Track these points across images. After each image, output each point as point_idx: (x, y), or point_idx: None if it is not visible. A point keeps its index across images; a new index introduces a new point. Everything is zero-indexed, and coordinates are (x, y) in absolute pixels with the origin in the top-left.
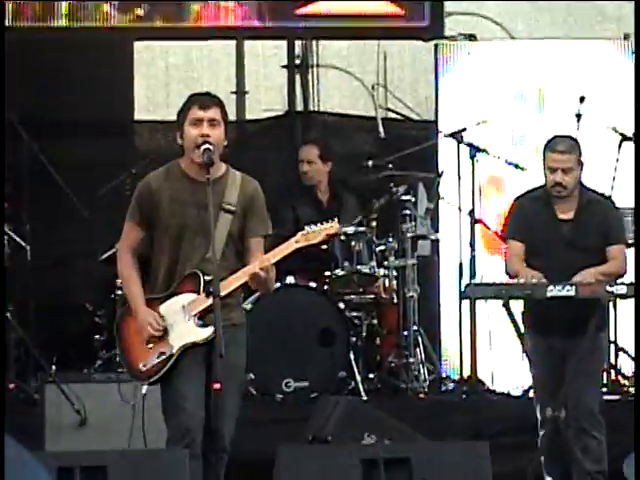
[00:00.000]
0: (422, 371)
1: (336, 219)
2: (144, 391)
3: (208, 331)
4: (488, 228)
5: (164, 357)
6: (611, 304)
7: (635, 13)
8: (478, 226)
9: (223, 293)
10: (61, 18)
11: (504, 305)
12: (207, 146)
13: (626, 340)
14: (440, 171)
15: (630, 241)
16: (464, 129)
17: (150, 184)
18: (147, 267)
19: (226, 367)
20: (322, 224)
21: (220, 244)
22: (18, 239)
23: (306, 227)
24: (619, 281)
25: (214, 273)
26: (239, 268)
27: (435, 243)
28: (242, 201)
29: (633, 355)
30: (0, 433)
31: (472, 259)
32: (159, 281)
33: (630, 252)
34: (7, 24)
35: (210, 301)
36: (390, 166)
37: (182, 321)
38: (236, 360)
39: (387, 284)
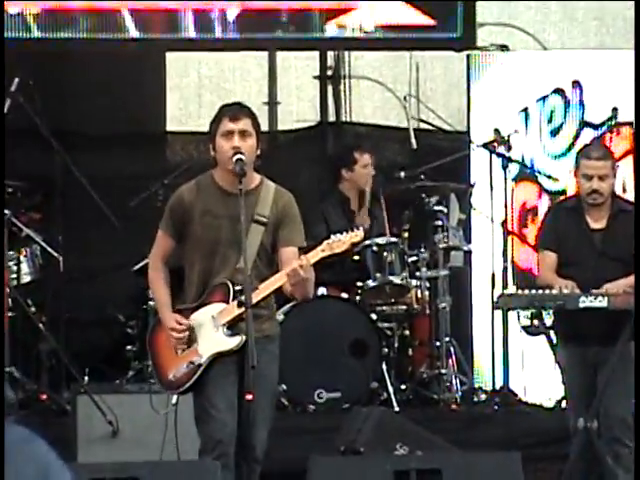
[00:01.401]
0: (454, 382)
1: (361, 228)
2: (174, 401)
3: (236, 340)
4: (521, 239)
5: (193, 366)
6: None
7: (635, 13)
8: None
9: (254, 301)
10: (91, 29)
11: (536, 316)
12: (239, 156)
13: None
14: (472, 182)
15: None
16: (497, 140)
17: (183, 196)
18: (180, 277)
19: (258, 378)
20: (347, 232)
21: (252, 255)
22: (51, 250)
23: (332, 236)
24: None
25: (245, 283)
26: (270, 276)
27: (467, 254)
28: (275, 213)
29: None
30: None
31: (504, 270)
32: (191, 292)
33: None
34: (42, 35)
35: (239, 310)
36: (422, 177)
37: (211, 330)
38: (268, 371)
39: (419, 295)
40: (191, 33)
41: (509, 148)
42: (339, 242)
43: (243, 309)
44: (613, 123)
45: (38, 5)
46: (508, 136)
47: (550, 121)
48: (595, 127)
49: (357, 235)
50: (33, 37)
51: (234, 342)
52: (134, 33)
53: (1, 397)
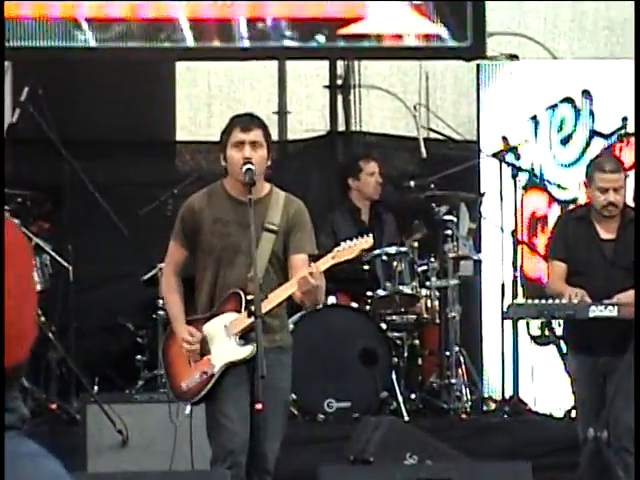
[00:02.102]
0: (464, 392)
1: (371, 235)
2: (188, 411)
3: (248, 350)
4: (530, 249)
5: (205, 376)
6: None
7: (635, 13)
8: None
9: (264, 310)
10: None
11: (546, 325)
12: (249, 166)
13: None
14: (482, 191)
15: None
16: (506, 150)
17: (193, 205)
18: (192, 287)
19: (271, 389)
20: (357, 239)
21: (263, 263)
22: (60, 259)
23: (342, 243)
24: None
25: (255, 293)
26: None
27: (477, 263)
28: (285, 220)
29: None
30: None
31: (514, 279)
32: (203, 301)
33: None
34: (47, 44)
35: (250, 320)
36: (432, 186)
37: (224, 340)
38: (281, 382)
39: (429, 304)
40: (200, 42)
41: (518, 157)
42: (349, 249)
43: (254, 319)
44: (623, 133)
45: (46, 12)
46: (517, 145)
47: (560, 130)
48: (605, 137)
49: (367, 241)
50: (43, 46)
51: (246, 351)
52: (143, 42)
53: (1, 397)
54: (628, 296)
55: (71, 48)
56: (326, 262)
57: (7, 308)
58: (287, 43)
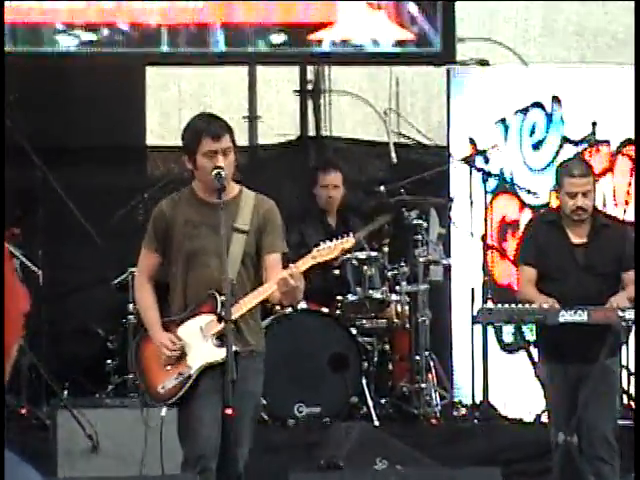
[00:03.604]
0: (434, 396)
1: (351, 234)
2: (163, 413)
3: (225, 351)
4: (500, 253)
5: (182, 378)
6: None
7: (635, 13)
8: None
9: (238, 314)
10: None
11: (516, 330)
12: (218, 170)
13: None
14: (452, 196)
15: None
16: (476, 154)
17: (163, 209)
18: (165, 291)
19: (242, 394)
20: (337, 239)
21: (236, 265)
22: (30, 265)
23: (321, 243)
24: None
25: (228, 295)
26: (255, 287)
27: (447, 268)
28: (256, 221)
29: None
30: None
31: (484, 284)
32: (176, 303)
33: None
34: (18, 49)
35: (224, 324)
36: (402, 191)
37: (200, 342)
38: (253, 388)
39: (399, 309)
40: (171, 47)
41: (487, 161)
42: (329, 249)
43: (226, 322)
44: (593, 139)
45: (23, 17)
46: (486, 149)
47: (532, 134)
48: (575, 143)
49: (348, 241)
50: (15, 51)
51: (223, 353)
52: (115, 47)
53: (2, 398)
54: (621, 299)
55: (42, 54)
56: (306, 262)
57: None
58: (258, 49)
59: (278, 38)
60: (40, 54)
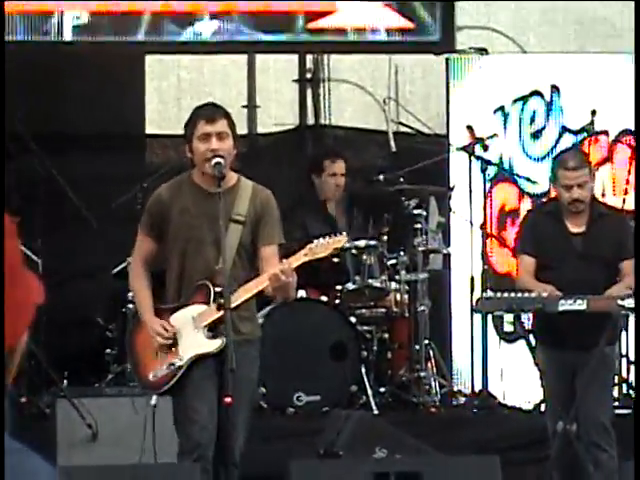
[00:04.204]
0: (433, 385)
1: (344, 232)
2: (153, 402)
3: (217, 343)
4: (500, 242)
5: (173, 368)
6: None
7: (635, 13)
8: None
9: (234, 304)
10: (74, 31)
11: (515, 319)
12: (217, 160)
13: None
14: (451, 185)
15: None
16: (475, 142)
17: (161, 196)
18: (160, 278)
19: (239, 382)
20: (330, 237)
21: (231, 255)
22: (30, 253)
23: (314, 240)
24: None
25: (225, 284)
26: (252, 278)
27: (446, 257)
28: (253, 211)
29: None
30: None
31: (483, 272)
32: (170, 292)
33: None
34: (19, 38)
35: (219, 313)
36: (401, 180)
37: (192, 332)
38: (248, 375)
39: (398, 298)
40: (170, 36)
41: (486, 149)
42: (321, 246)
43: (222, 312)
44: (592, 128)
45: (22, 5)
46: (484, 137)
47: (532, 123)
48: (574, 133)
49: (340, 240)
50: (15, 40)
51: (215, 345)
52: (112, 35)
53: (1, 394)
54: (619, 289)
55: (41, 41)
56: (298, 259)
57: None
58: (256, 37)
59: (277, 26)
60: (38, 42)
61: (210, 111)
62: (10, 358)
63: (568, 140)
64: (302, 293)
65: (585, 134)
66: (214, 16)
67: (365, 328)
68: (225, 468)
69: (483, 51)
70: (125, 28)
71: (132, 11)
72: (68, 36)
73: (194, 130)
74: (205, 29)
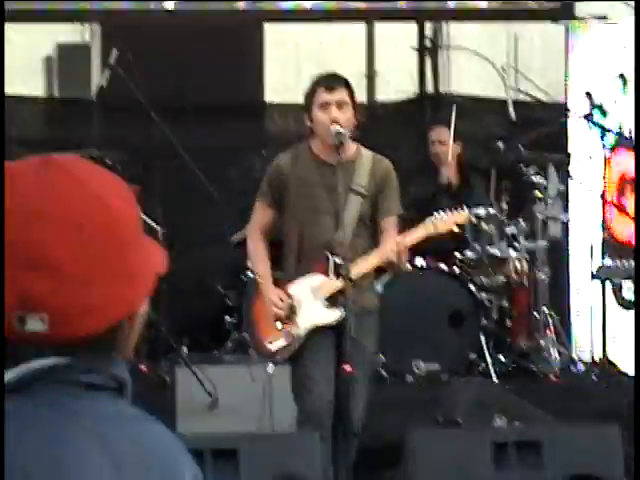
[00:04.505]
0: (553, 353)
1: (465, 207)
2: (270, 371)
3: (336, 313)
4: (619, 210)
5: (291, 337)
6: None
7: (635, 13)
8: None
9: (354, 275)
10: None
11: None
12: (337, 128)
13: None
14: (570, 152)
15: None
16: (593, 109)
17: (280, 165)
18: (278, 248)
19: (356, 351)
20: (452, 212)
21: (350, 226)
22: (150, 221)
23: (435, 214)
24: None
25: (344, 255)
26: (371, 249)
27: (565, 225)
28: (373, 182)
29: None
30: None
31: (603, 241)
32: (288, 262)
33: None
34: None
35: (339, 283)
36: (521, 147)
37: (310, 302)
38: (366, 345)
39: (518, 266)
40: (286, 4)
41: (604, 114)
42: (442, 222)
43: (342, 282)
44: None
45: None
46: (601, 105)
47: None
48: None
49: (462, 215)
50: (132, 9)
51: (333, 315)
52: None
53: (1, 391)
54: None
55: (152, 11)
56: (417, 235)
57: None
58: (375, 5)
59: None
60: (157, 11)
61: (330, 80)
62: (130, 326)
63: None
64: (421, 261)
65: None
66: None
67: (484, 296)
68: (344, 437)
69: (603, 18)
70: None
71: None
72: (187, 6)
73: (313, 99)
74: None
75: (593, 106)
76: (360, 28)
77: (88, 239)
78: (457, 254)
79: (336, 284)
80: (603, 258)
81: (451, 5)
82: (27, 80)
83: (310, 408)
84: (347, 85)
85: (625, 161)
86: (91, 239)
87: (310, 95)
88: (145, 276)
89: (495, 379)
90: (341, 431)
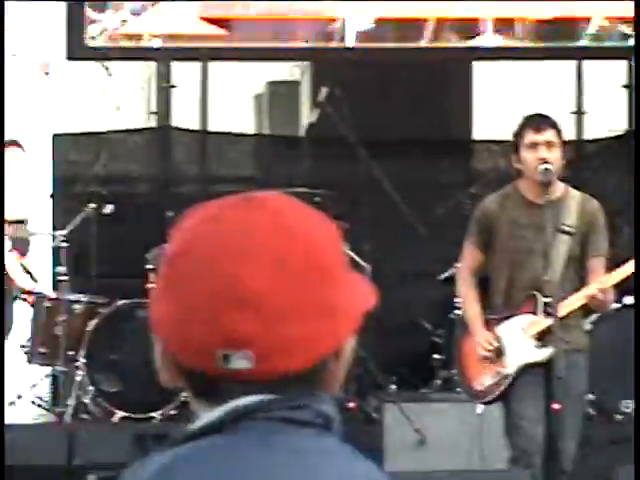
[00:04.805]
0: None
1: None
2: (479, 411)
3: (546, 352)
4: None
5: (500, 377)
6: None
7: (635, 13)
8: None
9: (562, 313)
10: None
11: None
12: (546, 166)
13: None
14: None
15: None
16: None
17: (487, 207)
18: (487, 287)
19: (567, 391)
20: None
21: (559, 265)
22: (357, 258)
23: None
24: None
25: (553, 294)
26: (578, 289)
27: None
28: (581, 222)
29: None
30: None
31: None
32: (496, 302)
33: None
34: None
35: (549, 322)
36: None
37: (520, 342)
38: (577, 384)
39: None
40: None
41: None
42: None
43: (552, 320)
44: None
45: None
46: None
47: None
48: None
49: None
50: (346, 47)
51: (544, 354)
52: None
53: (1, 389)
54: None
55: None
56: (624, 273)
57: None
58: (583, 43)
59: (602, 32)
60: (365, 49)
61: (538, 121)
62: (336, 362)
63: None
64: (629, 299)
65: None
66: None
67: None
68: (555, 476)
69: None
70: (452, 35)
71: (459, 19)
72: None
73: (522, 139)
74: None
75: None
76: (569, 65)
77: (290, 274)
78: None
79: (545, 322)
80: None
81: None
82: (238, 117)
83: (521, 446)
84: (555, 126)
85: None
86: (293, 274)
87: (518, 136)
88: (350, 312)
89: None
90: (552, 470)
